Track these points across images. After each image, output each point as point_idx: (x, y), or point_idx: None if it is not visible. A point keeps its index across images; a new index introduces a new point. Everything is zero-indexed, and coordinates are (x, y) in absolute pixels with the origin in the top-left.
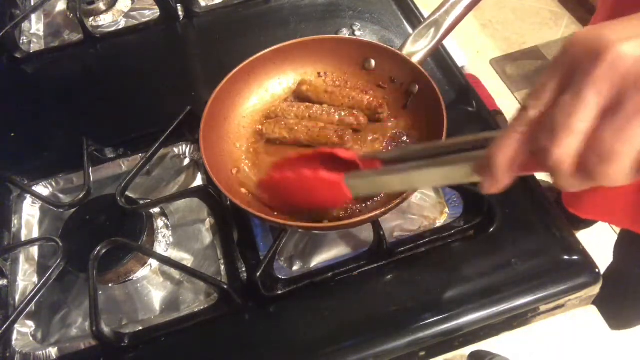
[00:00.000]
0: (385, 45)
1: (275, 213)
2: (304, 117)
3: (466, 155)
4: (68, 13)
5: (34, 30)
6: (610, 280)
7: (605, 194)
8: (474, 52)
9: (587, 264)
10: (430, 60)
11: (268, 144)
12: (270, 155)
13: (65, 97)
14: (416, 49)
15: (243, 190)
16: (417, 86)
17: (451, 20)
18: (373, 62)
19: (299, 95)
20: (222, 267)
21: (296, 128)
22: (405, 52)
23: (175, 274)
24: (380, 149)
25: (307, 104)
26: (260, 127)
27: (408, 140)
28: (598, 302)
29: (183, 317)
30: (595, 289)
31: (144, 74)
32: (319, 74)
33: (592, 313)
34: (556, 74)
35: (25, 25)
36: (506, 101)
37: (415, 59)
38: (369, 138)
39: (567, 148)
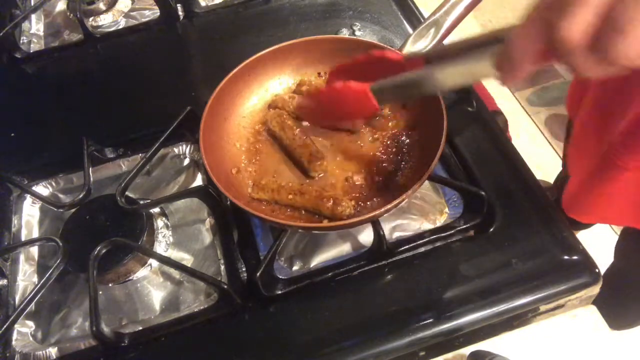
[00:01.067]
0: (385, 45)
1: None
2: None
3: (486, 50)
4: (68, 13)
5: (34, 30)
6: (611, 281)
7: (604, 195)
8: None
9: (587, 264)
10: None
11: (268, 143)
12: (270, 155)
13: (65, 97)
14: (416, 49)
15: (243, 190)
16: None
17: (451, 20)
18: None
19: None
20: (222, 267)
21: (286, 130)
22: (405, 52)
23: (175, 274)
24: (380, 148)
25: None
26: (257, 128)
27: (408, 141)
28: (598, 302)
29: (183, 317)
30: (595, 289)
31: (144, 74)
32: (319, 74)
33: (592, 313)
34: None
35: (25, 25)
36: (506, 101)
37: None
38: (369, 139)
39: (579, 22)
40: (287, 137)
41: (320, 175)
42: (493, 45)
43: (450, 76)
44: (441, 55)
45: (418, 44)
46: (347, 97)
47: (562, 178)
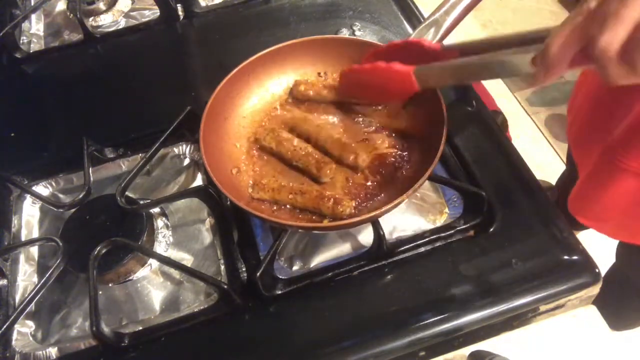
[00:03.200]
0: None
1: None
2: (311, 134)
3: (524, 48)
4: (68, 13)
5: (34, 30)
6: (611, 281)
7: (602, 198)
8: None
9: (587, 264)
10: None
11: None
12: (270, 155)
13: (65, 97)
14: None
15: (243, 190)
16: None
17: (451, 20)
18: None
19: (296, 96)
20: (222, 267)
21: (284, 144)
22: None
23: (175, 274)
24: (383, 148)
25: (320, 121)
26: (256, 129)
27: (408, 141)
28: (599, 302)
29: (183, 317)
30: (595, 289)
31: (144, 74)
32: (319, 74)
33: (592, 313)
34: None
35: (25, 25)
36: (506, 101)
37: None
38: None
39: (614, 35)
40: (287, 149)
41: (331, 177)
42: (531, 44)
43: (487, 70)
44: (477, 49)
45: None
46: (390, 77)
47: (564, 177)
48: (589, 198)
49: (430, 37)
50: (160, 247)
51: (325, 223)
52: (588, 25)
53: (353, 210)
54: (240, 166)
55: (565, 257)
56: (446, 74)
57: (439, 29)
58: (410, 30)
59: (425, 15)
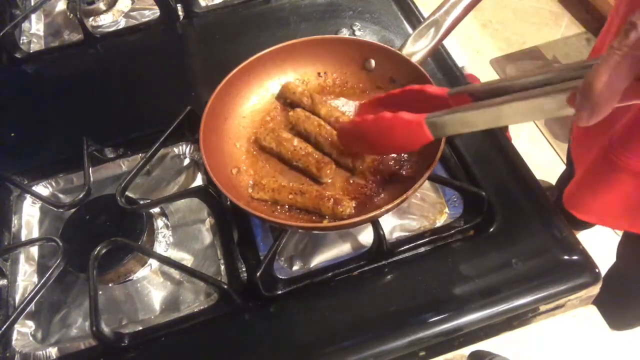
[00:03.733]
0: (386, 45)
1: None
2: (310, 133)
3: (559, 87)
4: (68, 13)
5: (34, 30)
6: (612, 281)
7: (602, 194)
8: (474, 52)
9: (587, 264)
10: (430, 60)
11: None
12: (270, 155)
13: (65, 97)
14: (416, 49)
15: (243, 190)
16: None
17: (451, 20)
18: (373, 62)
19: (284, 99)
20: (222, 267)
21: (284, 144)
22: (405, 52)
23: (175, 274)
24: None
25: (322, 121)
26: (256, 129)
27: None
28: (600, 302)
29: (183, 317)
30: (595, 289)
31: (144, 74)
32: (319, 74)
33: (592, 313)
34: None
35: (25, 25)
36: None
37: (415, 59)
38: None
39: None
40: (287, 150)
41: (331, 178)
42: (568, 82)
43: (517, 114)
44: (490, 92)
45: (418, 43)
46: (398, 128)
47: (564, 177)
48: (586, 194)
49: (430, 37)
50: (160, 247)
51: (325, 223)
52: None
53: (353, 211)
54: (240, 166)
55: (565, 257)
56: (466, 121)
57: (439, 29)
58: (410, 30)
59: (425, 15)
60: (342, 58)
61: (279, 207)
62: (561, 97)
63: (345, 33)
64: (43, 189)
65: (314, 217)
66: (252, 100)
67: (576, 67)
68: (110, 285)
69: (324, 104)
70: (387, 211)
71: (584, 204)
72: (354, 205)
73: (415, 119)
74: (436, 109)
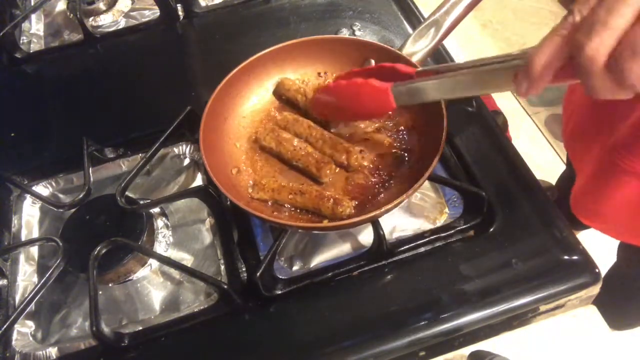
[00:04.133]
0: (385, 45)
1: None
2: (301, 135)
3: (507, 64)
4: (68, 13)
5: (34, 30)
6: (613, 281)
7: (605, 199)
8: (474, 52)
9: (587, 264)
10: (430, 60)
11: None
12: (269, 155)
13: (65, 97)
14: (416, 49)
15: (243, 190)
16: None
17: (451, 20)
18: (373, 62)
19: (279, 96)
20: (222, 267)
21: (284, 144)
22: (405, 52)
23: (175, 274)
24: (386, 144)
25: (312, 123)
26: (256, 129)
27: (408, 141)
28: (600, 302)
29: (183, 317)
30: (595, 289)
31: (144, 74)
32: (319, 74)
33: (592, 313)
34: None
35: (25, 25)
36: (506, 101)
37: (415, 59)
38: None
39: (601, 43)
40: (287, 150)
41: (331, 178)
42: (511, 61)
43: (468, 85)
44: (454, 70)
45: (418, 43)
46: (366, 93)
47: (564, 178)
48: (591, 200)
49: (430, 37)
50: (160, 247)
51: (325, 223)
52: (573, 36)
53: (353, 211)
54: (240, 166)
55: (565, 257)
56: (424, 90)
57: (439, 29)
58: (410, 30)
59: (426, 15)
60: (342, 58)
61: (279, 207)
62: (507, 72)
63: (345, 33)
64: (43, 189)
65: (313, 217)
66: (252, 100)
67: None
68: (110, 285)
69: None
70: (387, 211)
71: (589, 208)
72: (354, 205)
73: (382, 86)
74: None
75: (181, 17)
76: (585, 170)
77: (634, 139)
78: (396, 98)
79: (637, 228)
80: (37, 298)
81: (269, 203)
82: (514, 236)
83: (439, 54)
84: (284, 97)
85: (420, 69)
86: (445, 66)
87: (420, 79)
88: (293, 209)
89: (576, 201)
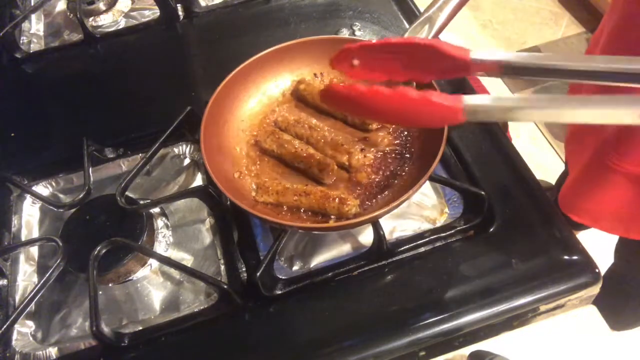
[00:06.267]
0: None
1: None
2: (302, 137)
3: (629, 98)
4: (68, 13)
5: (34, 30)
6: (612, 281)
7: (595, 196)
8: None
9: (587, 264)
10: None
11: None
12: (271, 157)
13: (65, 97)
14: None
15: (247, 193)
16: (414, 83)
17: (444, 16)
18: None
19: (297, 94)
20: (222, 267)
21: (286, 146)
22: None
23: (175, 274)
24: (382, 148)
25: (313, 124)
26: (255, 133)
27: (409, 141)
28: (599, 302)
29: (183, 317)
30: (595, 289)
31: (143, 74)
32: (315, 74)
33: (592, 313)
34: None
35: (25, 25)
36: None
37: None
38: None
39: None
40: (289, 152)
41: (333, 179)
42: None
43: (588, 117)
44: (529, 69)
45: None
46: (424, 110)
47: (564, 178)
48: (580, 196)
49: (424, 34)
50: (160, 247)
51: (326, 224)
52: None
53: (359, 209)
54: (242, 170)
55: (565, 257)
56: (519, 114)
57: (432, 26)
58: None
59: None
60: None
61: (284, 209)
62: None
63: (345, 33)
64: (43, 189)
65: (318, 218)
66: (250, 103)
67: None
68: (110, 285)
69: None
70: (388, 211)
71: (578, 206)
72: (359, 203)
73: (452, 105)
74: (446, 72)
75: (181, 17)
76: (577, 169)
77: (621, 140)
78: (468, 115)
79: (625, 223)
80: (37, 298)
81: (274, 205)
82: (514, 236)
83: None
84: (300, 97)
85: (477, 56)
86: (518, 58)
87: (511, 100)
88: (297, 210)
89: (563, 197)
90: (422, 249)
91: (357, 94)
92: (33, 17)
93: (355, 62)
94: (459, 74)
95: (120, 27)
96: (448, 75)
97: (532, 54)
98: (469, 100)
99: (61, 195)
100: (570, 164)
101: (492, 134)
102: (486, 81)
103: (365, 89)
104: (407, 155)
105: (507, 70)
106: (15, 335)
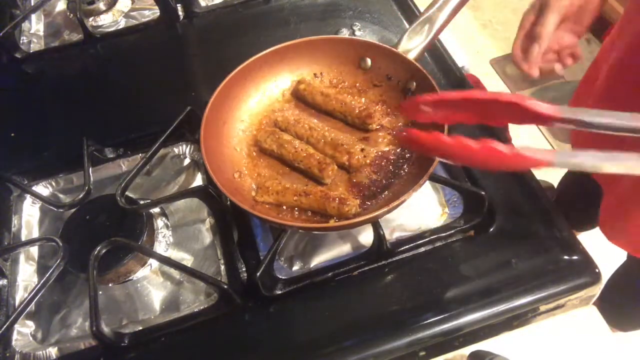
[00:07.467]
0: (380, 43)
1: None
2: (302, 137)
3: None
4: (68, 13)
5: (34, 30)
6: (619, 282)
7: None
8: (474, 52)
9: (587, 264)
10: (430, 60)
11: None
12: (271, 157)
13: (65, 97)
14: (412, 45)
15: (247, 193)
16: (414, 82)
17: (444, 16)
18: (369, 61)
19: (297, 94)
20: (222, 267)
21: (286, 146)
22: (401, 49)
23: (175, 274)
24: (382, 148)
25: (313, 124)
26: (255, 133)
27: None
28: (604, 302)
29: (183, 317)
30: (595, 289)
31: (144, 74)
32: (315, 74)
33: (592, 313)
34: None
35: (25, 25)
36: None
37: (411, 56)
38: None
39: None
40: (289, 152)
41: (333, 179)
42: None
43: None
44: (607, 127)
45: (413, 40)
46: (514, 163)
47: (564, 178)
48: (622, 218)
49: (424, 34)
50: (160, 247)
51: (326, 224)
52: None
53: (359, 209)
54: (242, 170)
55: (565, 257)
56: (598, 166)
57: (432, 25)
58: None
59: None
60: (337, 58)
61: (283, 209)
62: None
63: (345, 33)
64: (43, 189)
65: (318, 218)
66: (250, 104)
67: None
68: (110, 285)
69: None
70: (388, 211)
71: (618, 227)
72: (359, 203)
73: (545, 160)
74: (522, 121)
75: (181, 17)
76: (616, 190)
77: None
78: (557, 166)
79: None
80: (37, 298)
81: (274, 205)
82: (514, 236)
83: (439, 54)
84: (300, 96)
85: (564, 114)
86: (613, 123)
87: (597, 156)
88: (297, 210)
89: (605, 219)
90: (422, 249)
91: (444, 145)
92: (33, 17)
93: (426, 109)
94: (536, 123)
95: (120, 27)
96: (523, 123)
97: (614, 113)
98: (562, 157)
99: (61, 195)
100: (605, 184)
101: (492, 133)
102: (486, 81)
103: (452, 142)
104: (407, 155)
105: (585, 127)
106: (15, 335)
